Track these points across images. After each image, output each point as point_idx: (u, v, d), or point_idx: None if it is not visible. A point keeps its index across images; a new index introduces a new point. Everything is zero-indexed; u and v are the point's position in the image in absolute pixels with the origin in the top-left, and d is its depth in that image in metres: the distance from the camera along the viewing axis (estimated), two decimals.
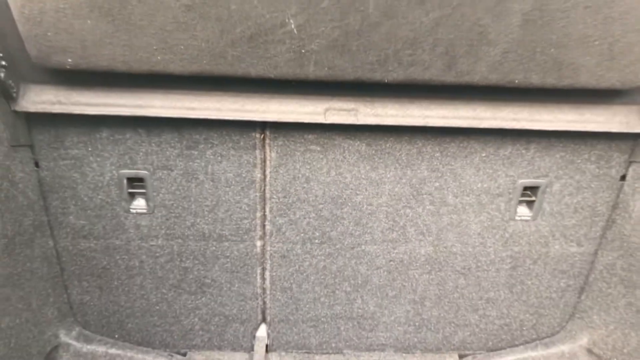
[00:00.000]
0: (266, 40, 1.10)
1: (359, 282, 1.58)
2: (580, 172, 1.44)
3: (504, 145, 1.40)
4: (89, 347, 1.54)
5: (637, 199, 1.38)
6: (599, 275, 1.54)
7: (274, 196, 1.45)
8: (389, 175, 1.43)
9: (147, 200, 1.43)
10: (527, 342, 1.70)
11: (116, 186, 1.40)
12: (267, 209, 1.47)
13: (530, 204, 1.50)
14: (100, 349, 1.55)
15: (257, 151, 1.39)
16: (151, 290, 1.56)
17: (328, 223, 1.50)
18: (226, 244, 1.50)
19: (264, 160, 1.41)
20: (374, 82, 1.20)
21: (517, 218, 1.50)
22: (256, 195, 1.44)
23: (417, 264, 1.56)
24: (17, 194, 1.25)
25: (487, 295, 1.62)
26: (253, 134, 1.36)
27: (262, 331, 1.65)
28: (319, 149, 1.39)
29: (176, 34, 1.09)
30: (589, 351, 1.57)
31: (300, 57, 1.13)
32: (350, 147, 1.39)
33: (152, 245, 1.49)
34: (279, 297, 1.60)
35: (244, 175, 1.41)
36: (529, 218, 1.50)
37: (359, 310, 1.63)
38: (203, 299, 1.58)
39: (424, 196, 1.46)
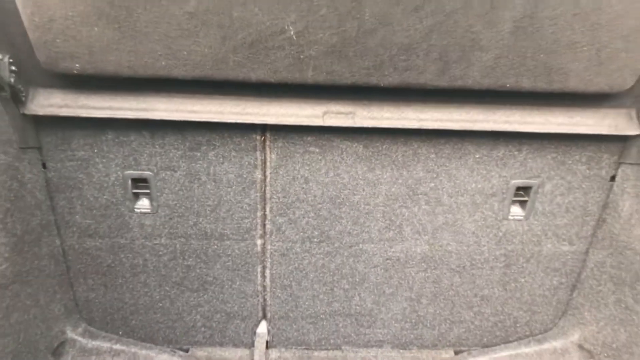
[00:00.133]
0: (266, 46, 1.15)
1: (357, 279, 1.63)
2: (571, 173, 1.48)
3: (497, 147, 1.44)
4: (94, 343, 1.58)
5: (626, 199, 1.42)
6: (589, 273, 1.58)
7: (274, 196, 1.49)
8: (385, 176, 1.47)
9: (151, 200, 1.47)
10: (520, 339, 1.74)
11: (121, 186, 1.44)
12: (268, 209, 1.51)
13: (523, 203, 1.54)
14: (105, 344, 1.60)
15: (258, 153, 1.43)
16: (155, 287, 1.60)
17: (327, 222, 1.54)
18: (228, 242, 1.54)
19: (264, 162, 1.45)
20: (371, 86, 1.24)
21: (510, 217, 1.54)
22: (257, 196, 1.49)
23: (413, 262, 1.60)
24: (26, 194, 1.29)
25: (482, 293, 1.67)
26: (254, 136, 1.40)
27: (262, 328, 1.69)
28: (317, 150, 1.43)
29: (180, 41, 1.13)
30: (580, 347, 1.61)
31: (299, 62, 1.18)
32: (347, 149, 1.44)
33: (155, 244, 1.53)
34: (279, 295, 1.64)
35: (245, 176, 1.45)
36: (521, 217, 1.55)
37: (357, 307, 1.67)
38: (205, 296, 1.62)
39: (420, 196, 1.50)
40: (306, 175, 1.47)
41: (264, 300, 1.66)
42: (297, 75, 1.21)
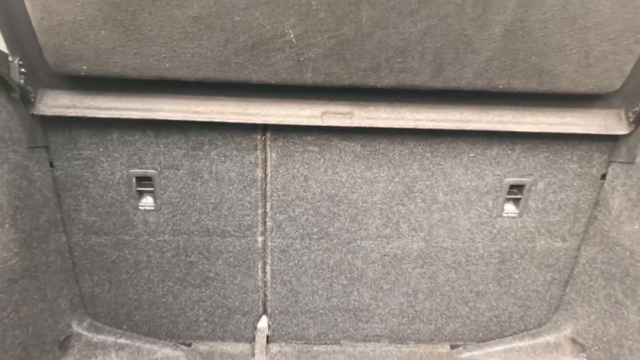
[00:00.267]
0: (267, 49, 1.19)
1: (355, 275, 1.67)
2: (563, 172, 1.53)
3: (490, 146, 1.48)
4: (99, 337, 1.62)
5: (616, 196, 1.47)
6: (581, 269, 1.62)
7: (275, 194, 1.54)
8: (382, 175, 1.52)
9: (154, 198, 1.51)
10: (515, 333, 1.78)
11: (126, 185, 1.48)
12: (268, 206, 1.56)
13: (516, 201, 1.58)
14: (110, 339, 1.64)
15: (259, 152, 1.47)
16: (158, 283, 1.64)
17: (325, 220, 1.58)
18: (229, 239, 1.59)
19: (264, 161, 1.49)
20: (368, 87, 1.28)
21: (504, 215, 1.59)
22: (257, 193, 1.53)
23: (410, 259, 1.64)
24: (34, 192, 1.34)
25: (477, 289, 1.71)
26: (255, 136, 1.44)
27: (263, 322, 1.73)
28: (316, 149, 1.48)
29: (184, 43, 1.18)
30: (573, 341, 1.66)
31: (298, 64, 1.22)
32: (346, 148, 1.48)
33: (159, 241, 1.57)
34: (279, 290, 1.68)
35: (246, 174, 1.50)
36: (515, 215, 1.59)
37: (355, 303, 1.72)
38: (207, 291, 1.67)
39: (416, 194, 1.55)
40: (305, 173, 1.51)
41: (265, 295, 1.70)
42: (296, 77, 1.25)
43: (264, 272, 1.66)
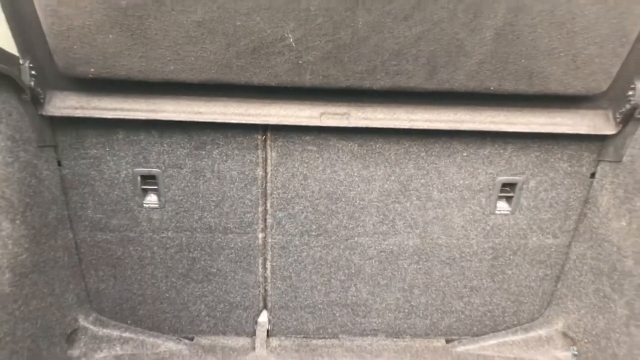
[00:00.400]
0: (267, 52, 1.24)
1: (353, 271, 1.72)
2: (554, 170, 1.58)
3: (483, 146, 1.53)
4: (104, 331, 1.67)
5: (604, 194, 1.52)
6: (572, 264, 1.67)
7: (275, 192, 1.59)
8: (379, 173, 1.57)
9: (158, 195, 1.56)
10: (508, 328, 1.83)
11: (131, 183, 1.53)
12: (268, 204, 1.61)
13: (508, 199, 1.63)
14: (115, 332, 1.69)
15: (259, 151, 1.52)
16: (161, 279, 1.69)
17: (324, 217, 1.63)
18: (231, 236, 1.64)
19: (265, 160, 1.54)
20: (364, 89, 1.33)
21: (497, 212, 1.64)
22: (258, 192, 1.58)
23: (406, 255, 1.70)
24: (43, 190, 1.39)
25: (471, 284, 1.76)
26: (255, 136, 1.49)
27: (263, 317, 1.78)
28: (315, 149, 1.53)
29: (187, 47, 1.23)
30: (564, 334, 1.71)
31: (297, 67, 1.27)
32: (343, 148, 1.53)
33: (162, 237, 1.62)
34: (279, 286, 1.73)
35: (247, 173, 1.55)
36: (508, 212, 1.64)
37: (353, 298, 1.77)
38: (209, 287, 1.72)
39: (411, 192, 1.60)
40: (305, 172, 1.56)
41: (265, 290, 1.75)
42: (295, 79, 1.30)
43: (264, 268, 1.71)
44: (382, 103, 1.43)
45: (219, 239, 1.64)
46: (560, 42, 1.23)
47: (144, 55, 1.24)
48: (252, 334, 1.81)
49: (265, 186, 1.58)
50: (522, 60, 1.27)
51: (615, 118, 1.44)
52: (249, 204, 1.59)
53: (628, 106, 1.37)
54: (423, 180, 1.58)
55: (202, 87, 1.35)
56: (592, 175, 1.58)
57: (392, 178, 1.58)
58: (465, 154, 1.54)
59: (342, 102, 1.42)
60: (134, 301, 1.72)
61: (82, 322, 1.63)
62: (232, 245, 1.65)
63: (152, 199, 1.57)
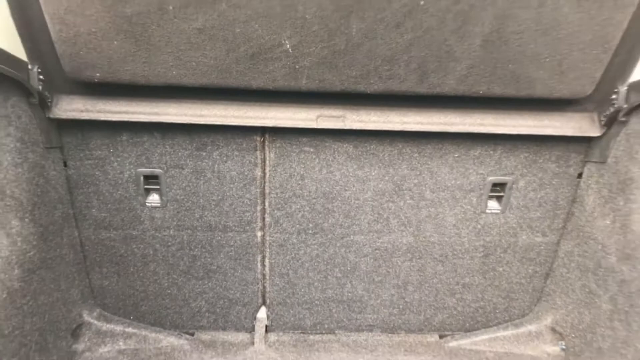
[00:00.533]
0: (265, 58, 1.29)
1: (348, 268, 1.77)
2: (542, 171, 1.63)
3: (474, 147, 1.59)
4: (108, 326, 1.73)
5: (590, 194, 1.57)
6: (560, 262, 1.73)
7: (273, 192, 1.64)
8: (373, 173, 1.62)
9: (161, 195, 1.62)
10: (499, 323, 1.89)
11: (134, 183, 1.59)
12: (267, 203, 1.66)
13: (499, 198, 1.69)
14: (118, 328, 1.74)
15: (258, 152, 1.58)
16: (163, 275, 1.75)
17: (320, 216, 1.69)
18: (230, 234, 1.69)
19: (263, 160, 1.60)
20: (358, 92, 1.39)
21: (487, 211, 1.69)
22: (257, 191, 1.63)
23: (400, 252, 1.75)
24: (50, 189, 1.44)
25: (463, 281, 1.81)
26: (254, 137, 1.55)
27: (262, 313, 1.84)
28: (312, 150, 1.58)
29: (189, 53, 1.28)
30: (553, 330, 1.76)
31: (294, 72, 1.33)
32: (339, 149, 1.59)
33: (164, 235, 1.68)
34: (277, 282, 1.79)
35: (246, 173, 1.60)
36: (498, 211, 1.69)
37: (349, 294, 1.82)
38: (209, 283, 1.77)
39: (405, 191, 1.65)
40: (302, 172, 1.62)
41: (264, 287, 1.81)
42: (292, 83, 1.36)
43: (263, 265, 1.76)
44: (376, 106, 1.48)
45: (219, 237, 1.69)
46: (545, 48, 1.29)
47: (148, 60, 1.29)
48: (251, 330, 1.86)
49: (264, 186, 1.64)
50: (510, 66, 1.33)
51: (600, 121, 1.50)
52: (248, 203, 1.65)
53: (612, 109, 1.43)
54: (416, 180, 1.64)
55: (203, 91, 1.40)
56: (580, 175, 1.63)
57: (386, 178, 1.63)
58: (456, 155, 1.60)
59: (338, 105, 1.48)
60: (137, 297, 1.78)
61: (87, 317, 1.69)
62: (231, 243, 1.71)
63: (154, 199, 1.63)
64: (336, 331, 1.89)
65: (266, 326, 1.85)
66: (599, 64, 1.33)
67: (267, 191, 1.64)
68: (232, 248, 1.72)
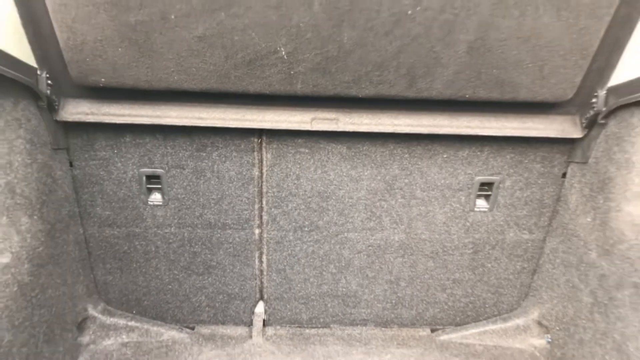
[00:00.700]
0: (262, 64, 1.36)
1: (343, 264, 1.85)
2: (528, 171, 1.70)
3: (462, 148, 1.66)
4: (111, 320, 1.80)
5: (573, 193, 1.64)
6: (546, 258, 1.80)
7: (270, 191, 1.71)
8: (366, 173, 1.69)
9: (162, 194, 1.69)
10: (488, 318, 1.96)
11: (136, 182, 1.66)
12: (264, 202, 1.73)
13: (487, 197, 1.76)
14: (121, 322, 1.81)
15: (255, 153, 1.65)
16: (165, 271, 1.82)
17: (316, 214, 1.76)
18: (229, 231, 1.76)
19: (261, 161, 1.67)
20: (351, 96, 1.46)
21: (476, 209, 1.76)
22: (254, 190, 1.71)
23: (392, 249, 1.82)
24: (57, 188, 1.51)
25: (453, 277, 1.88)
26: (252, 139, 1.62)
27: (260, 308, 1.91)
28: (307, 151, 1.65)
29: (190, 59, 1.35)
30: (539, 323, 1.83)
31: (289, 77, 1.40)
32: (333, 150, 1.66)
33: (166, 233, 1.75)
34: (274, 278, 1.86)
35: (244, 173, 1.67)
36: (486, 209, 1.76)
37: (343, 289, 1.89)
38: (209, 279, 1.84)
39: (396, 191, 1.72)
40: (297, 172, 1.69)
41: (261, 283, 1.88)
42: (288, 88, 1.43)
43: (261, 262, 1.83)
44: (368, 109, 1.55)
45: (218, 234, 1.76)
46: (527, 54, 1.36)
47: (150, 66, 1.36)
48: (249, 324, 1.93)
49: (261, 185, 1.71)
50: (494, 71, 1.39)
51: (581, 123, 1.57)
52: (246, 201, 1.72)
53: (592, 112, 1.50)
54: (407, 180, 1.71)
55: (202, 95, 1.47)
56: (564, 175, 1.70)
57: (379, 178, 1.70)
58: (445, 156, 1.67)
59: (331, 108, 1.55)
60: (139, 292, 1.85)
61: (91, 311, 1.76)
62: (230, 240, 1.78)
63: (156, 197, 1.70)
64: (331, 325, 1.96)
65: (264, 320, 1.91)
66: (578, 69, 1.40)
67: (264, 190, 1.71)
68: (231, 245, 1.79)
